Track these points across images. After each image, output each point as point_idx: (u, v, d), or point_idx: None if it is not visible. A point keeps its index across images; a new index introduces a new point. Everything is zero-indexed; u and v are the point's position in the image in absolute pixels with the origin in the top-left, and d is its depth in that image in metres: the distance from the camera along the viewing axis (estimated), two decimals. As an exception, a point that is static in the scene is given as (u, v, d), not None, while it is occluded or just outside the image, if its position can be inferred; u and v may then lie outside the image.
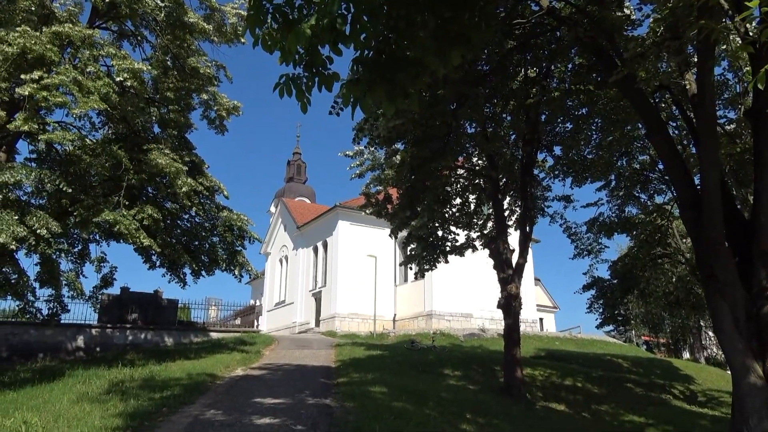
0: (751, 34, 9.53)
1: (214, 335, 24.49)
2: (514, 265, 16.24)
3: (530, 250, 37.03)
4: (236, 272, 19.41)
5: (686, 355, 40.07)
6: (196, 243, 19.47)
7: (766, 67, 3.48)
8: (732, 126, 15.83)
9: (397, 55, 5.55)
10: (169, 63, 17.70)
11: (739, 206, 13.89)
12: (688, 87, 11.19)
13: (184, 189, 16.37)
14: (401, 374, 15.20)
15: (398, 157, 13.45)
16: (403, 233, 16.91)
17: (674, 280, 19.80)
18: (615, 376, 19.57)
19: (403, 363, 17.67)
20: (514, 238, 17.05)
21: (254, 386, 11.62)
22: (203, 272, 19.65)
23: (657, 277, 19.38)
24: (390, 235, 15.41)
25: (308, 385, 11.84)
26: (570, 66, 15.31)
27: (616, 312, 19.59)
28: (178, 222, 19.75)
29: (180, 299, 26.66)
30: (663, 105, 15.25)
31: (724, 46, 12.36)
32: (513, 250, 16.54)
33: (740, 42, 9.73)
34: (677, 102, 13.01)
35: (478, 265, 26.74)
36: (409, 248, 15.51)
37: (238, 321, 32.33)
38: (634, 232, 18.88)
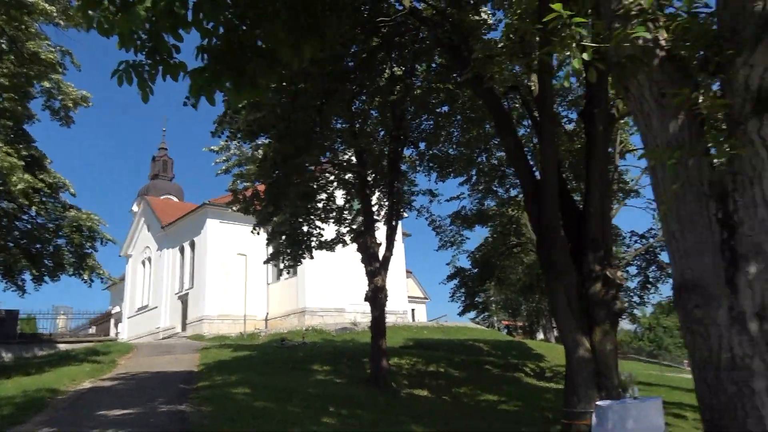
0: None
1: (62, 347, 22.25)
2: (380, 258, 16.62)
3: (402, 244, 38.26)
4: (86, 277, 17.81)
5: (540, 335, 43.77)
6: (38, 246, 17.59)
7: (568, 70, 3.85)
8: (572, 125, 17.43)
9: (247, 44, 5.36)
10: (4, 46, 15.78)
11: (578, 199, 15.40)
12: (533, 88, 12.14)
13: (20, 186, 14.74)
14: (269, 373, 14.91)
15: (260, 151, 13.14)
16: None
17: (525, 267, 21.44)
18: (475, 359, 20.81)
19: (271, 362, 17.36)
20: (384, 232, 17.39)
21: (102, 398, 10.72)
22: (46, 278, 17.83)
23: (512, 265, 20.92)
24: (252, 232, 15.04)
25: (164, 393, 11.16)
26: (434, 65, 15.96)
27: (475, 299, 20.86)
28: (16, 223, 17.69)
29: (22, 309, 23.96)
30: (516, 105, 16.39)
31: (568, 53, 13.60)
32: (380, 244, 16.89)
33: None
34: (525, 102, 14.06)
35: (351, 259, 27.00)
36: (273, 245, 15.25)
37: (93, 330, 29.75)
38: (490, 224, 20.18)
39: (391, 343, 22.30)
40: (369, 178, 17.98)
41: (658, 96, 3.76)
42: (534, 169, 11.76)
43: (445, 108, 16.51)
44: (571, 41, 3.99)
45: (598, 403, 8.66)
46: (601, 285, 9.26)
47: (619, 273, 9.71)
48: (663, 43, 3.85)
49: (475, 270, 20.55)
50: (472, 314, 32.19)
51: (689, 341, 3.56)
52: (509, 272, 21.48)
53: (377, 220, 18.13)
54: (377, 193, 18.76)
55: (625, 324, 47.92)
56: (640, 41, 3.79)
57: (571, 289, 9.35)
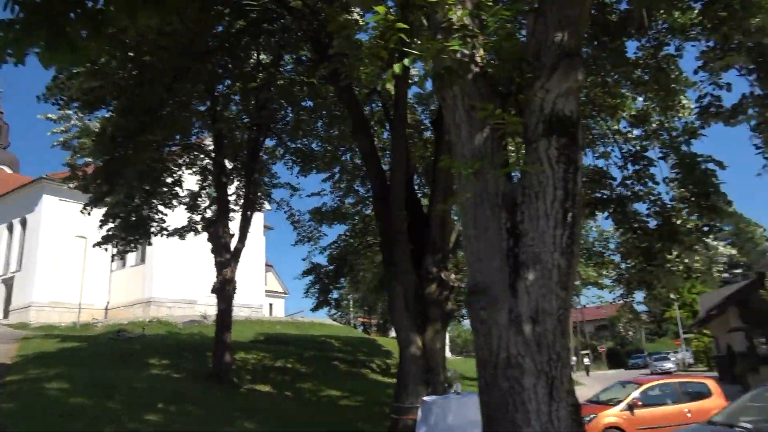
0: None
1: None
2: (233, 249, 16.09)
3: (263, 237, 37.37)
4: None
5: (393, 333, 45.21)
6: None
7: (391, 70, 3.93)
8: (429, 132, 18.12)
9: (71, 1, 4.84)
10: None
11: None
12: (392, 93, 12.43)
13: None
14: (96, 367, 13.73)
15: (98, 124, 12.02)
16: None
17: (377, 265, 21.93)
18: (325, 355, 20.95)
19: (103, 355, 16.04)
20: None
21: None
22: None
23: (366, 263, 21.27)
24: (82, 212, 13.71)
25: (-42, 387, 9.79)
26: (304, 58, 15.72)
27: (329, 296, 20.93)
28: None
29: None
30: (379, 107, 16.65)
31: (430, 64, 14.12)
32: (233, 235, 16.34)
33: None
34: (385, 106, 14.38)
35: (205, 249, 25.79)
36: (106, 227, 14.04)
37: None
38: (349, 222, 20.39)
39: (242, 338, 21.70)
40: (228, 165, 17.32)
41: (469, 108, 3.97)
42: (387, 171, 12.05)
43: (310, 103, 16.38)
44: (398, 46, 4.08)
45: (424, 398, 9.09)
46: (436, 286, 9.71)
47: (453, 276, 10.27)
48: (479, 60, 4.07)
49: (331, 267, 20.66)
50: (331, 311, 32.41)
51: (475, 341, 3.80)
52: (364, 270, 21.84)
53: (233, 210, 17.52)
54: (236, 182, 18.13)
55: (467, 324, 51.20)
56: (458, 55, 3.98)
57: (409, 289, 9.69)
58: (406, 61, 3.93)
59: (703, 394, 12.14)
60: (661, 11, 9.50)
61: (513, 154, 4.08)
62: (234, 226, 16.75)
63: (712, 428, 7.64)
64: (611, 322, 55.14)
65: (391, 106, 13.58)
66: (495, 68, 4.05)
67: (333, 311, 32.93)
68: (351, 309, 45.56)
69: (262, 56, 15.46)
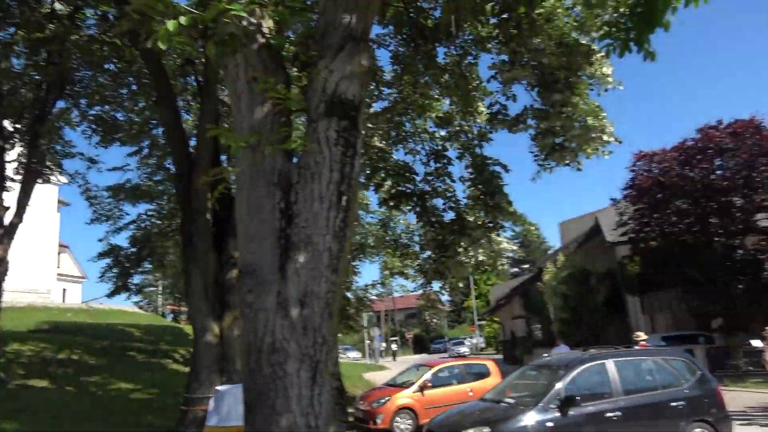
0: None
1: None
2: (7, 224, 13.86)
3: (57, 213, 33.15)
4: None
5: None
6: None
7: (164, 27, 3.55)
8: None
9: None
10: None
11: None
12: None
13: None
14: None
15: None
16: None
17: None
18: (121, 345, 19.16)
19: None
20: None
21: None
22: None
23: (173, 246, 19.89)
24: None
25: None
26: (111, 16, 14.03)
27: (128, 281, 19.18)
28: None
29: None
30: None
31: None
32: (8, 208, 14.07)
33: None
34: (198, 80, 13.45)
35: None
36: None
37: None
38: (156, 201, 18.89)
39: (20, 326, 18.96)
40: (8, 127, 14.87)
41: (250, 80, 3.77)
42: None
43: (113, 66, 14.74)
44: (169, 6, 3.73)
45: (217, 387, 8.70)
46: (238, 271, 9.33)
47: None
48: (266, 30, 3.88)
49: (133, 249, 18.92)
50: (131, 297, 29.84)
51: (243, 325, 3.63)
52: (171, 253, 20.38)
53: (12, 180, 15.10)
54: (19, 148, 15.66)
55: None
56: (244, 22, 3.75)
57: (208, 274, 9.19)
58: (182, 19, 3.58)
59: (483, 374, 13.49)
60: (467, 22, 10.25)
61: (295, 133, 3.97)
62: (12, 198, 14.45)
63: (483, 404, 8.49)
64: (419, 310, 59.34)
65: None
66: (276, 40, 3.88)
67: (136, 298, 30.35)
68: (159, 295, 42.50)
69: (57, 5, 13.53)
